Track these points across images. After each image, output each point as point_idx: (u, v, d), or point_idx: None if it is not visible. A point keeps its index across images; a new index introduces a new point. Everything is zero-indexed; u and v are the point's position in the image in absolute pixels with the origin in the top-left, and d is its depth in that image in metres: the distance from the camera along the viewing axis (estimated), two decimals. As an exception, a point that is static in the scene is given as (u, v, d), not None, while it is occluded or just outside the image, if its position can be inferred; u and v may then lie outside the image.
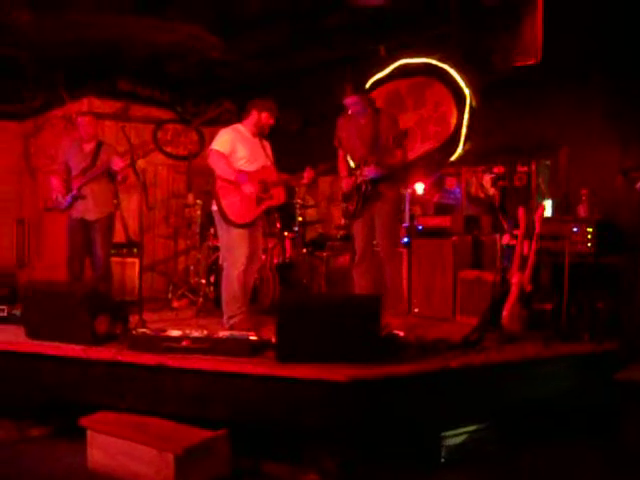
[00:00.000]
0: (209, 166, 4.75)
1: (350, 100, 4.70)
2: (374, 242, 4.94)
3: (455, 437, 3.62)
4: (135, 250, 6.00)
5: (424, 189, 6.31)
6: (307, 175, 4.87)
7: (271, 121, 4.84)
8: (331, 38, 6.41)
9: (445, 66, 6.36)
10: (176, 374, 3.68)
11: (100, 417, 3.68)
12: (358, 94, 4.71)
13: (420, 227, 5.84)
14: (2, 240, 8.16)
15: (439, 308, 5.49)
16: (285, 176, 4.95)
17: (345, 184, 4.89)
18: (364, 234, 4.87)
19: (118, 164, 5.25)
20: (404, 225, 5.88)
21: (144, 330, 4.10)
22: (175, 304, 6.11)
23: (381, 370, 3.43)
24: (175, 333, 3.96)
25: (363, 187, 4.70)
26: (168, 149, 7.60)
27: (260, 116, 4.81)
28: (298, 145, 7.11)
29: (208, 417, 3.56)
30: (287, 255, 6.19)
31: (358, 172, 4.78)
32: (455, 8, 5.75)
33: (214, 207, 4.75)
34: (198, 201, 6.43)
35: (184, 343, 3.80)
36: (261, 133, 4.89)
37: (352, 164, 5.12)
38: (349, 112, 4.83)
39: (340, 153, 5.06)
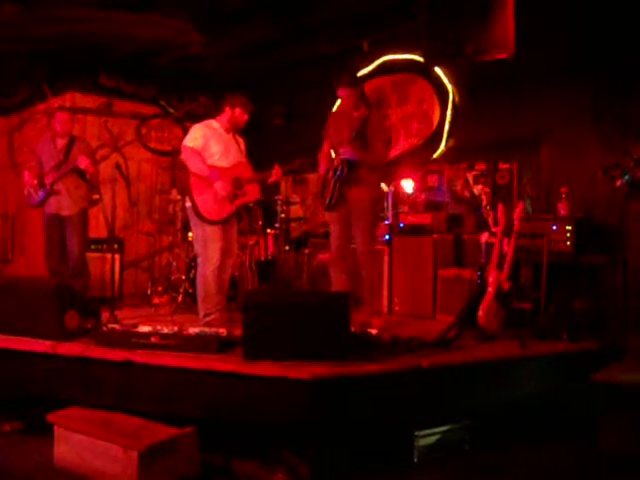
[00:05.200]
0: (183, 162, 4.71)
1: (343, 92, 4.63)
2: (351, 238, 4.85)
3: (428, 437, 3.58)
4: (116, 246, 5.95)
5: (413, 187, 6.25)
6: (275, 173, 4.80)
7: (245, 116, 4.79)
8: (314, 34, 6.36)
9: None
10: (144, 370, 3.62)
11: (68, 413, 3.63)
12: (352, 87, 4.63)
13: (401, 224, 5.80)
14: (-14, 236, 8.13)
15: (420, 306, 5.47)
16: (258, 174, 4.87)
17: (322, 168, 4.76)
18: (340, 228, 4.73)
19: (83, 162, 5.21)
20: (386, 222, 5.84)
21: (114, 326, 4.06)
22: (155, 300, 6.08)
23: (347, 369, 3.37)
24: (145, 329, 3.92)
25: (339, 169, 4.58)
26: (152, 145, 7.55)
27: (233, 112, 4.76)
28: (282, 141, 7.06)
29: (177, 414, 3.51)
30: (269, 252, 6.15)
31: (335, 154, 4.69)
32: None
33: (188, 203, 4.71)
34: (180, 197, 6.38)
35: (153, 339, 3.76)
36: (236, 128, 4.85)
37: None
38: (341, 105, 4.75)
39: (325, 146, 4.93)
